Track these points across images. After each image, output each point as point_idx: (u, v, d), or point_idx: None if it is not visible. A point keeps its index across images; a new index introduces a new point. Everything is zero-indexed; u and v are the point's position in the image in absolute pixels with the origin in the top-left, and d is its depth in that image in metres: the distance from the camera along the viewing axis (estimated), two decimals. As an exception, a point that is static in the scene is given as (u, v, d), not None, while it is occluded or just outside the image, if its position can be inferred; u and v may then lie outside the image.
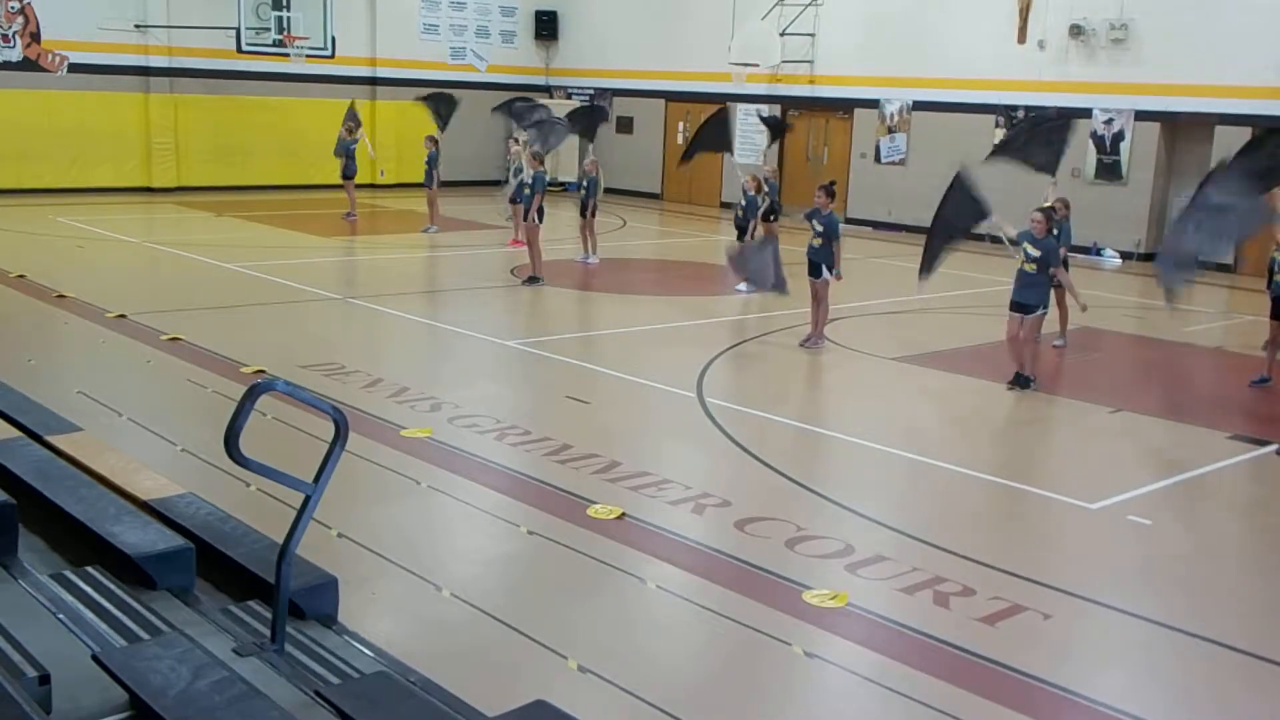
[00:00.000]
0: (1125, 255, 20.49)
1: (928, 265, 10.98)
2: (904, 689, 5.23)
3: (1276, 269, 11.31)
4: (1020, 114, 21.63)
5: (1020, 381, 10.81)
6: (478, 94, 28.90)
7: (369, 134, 23.57)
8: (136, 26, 24.32)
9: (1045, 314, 11.17)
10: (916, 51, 22.94)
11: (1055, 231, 12.06)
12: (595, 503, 7.35)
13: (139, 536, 4.98)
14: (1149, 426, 10.04)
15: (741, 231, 16.01)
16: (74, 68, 23.86)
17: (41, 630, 4.17)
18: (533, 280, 15.61)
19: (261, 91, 25.89)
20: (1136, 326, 14.75)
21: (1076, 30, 20.73)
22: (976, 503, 8.09)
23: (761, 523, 7.21)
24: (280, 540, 4.39)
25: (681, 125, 27.86)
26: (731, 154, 17.37)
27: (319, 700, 3.92)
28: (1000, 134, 22.04)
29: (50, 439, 6.41)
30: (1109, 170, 20.85)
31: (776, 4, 24.49)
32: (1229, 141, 19.16)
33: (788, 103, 25.44)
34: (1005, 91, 21.84)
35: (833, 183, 12.91)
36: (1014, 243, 10.92)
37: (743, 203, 16.03)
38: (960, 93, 22.40)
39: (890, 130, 24.00)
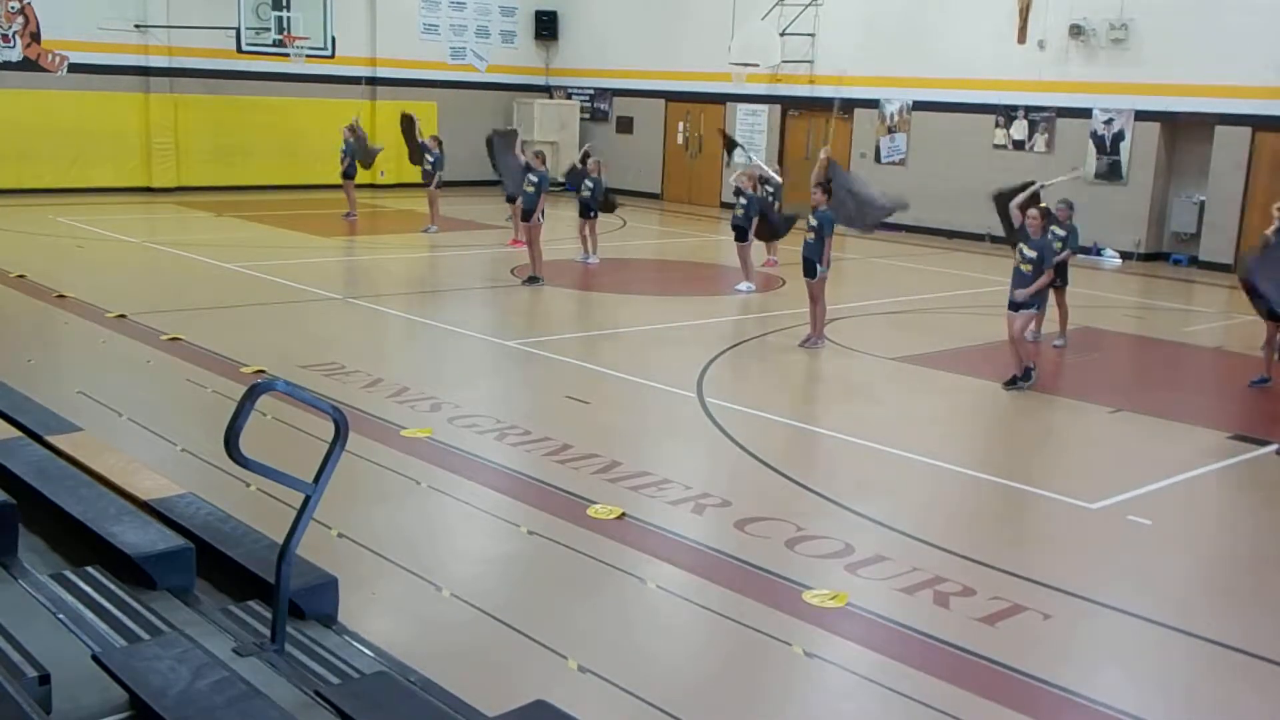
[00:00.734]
0: (1125, 255, 20.50)
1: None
2: (904, 689, 5.23)
3: None
4: (1020, 114, 21.65)
5: (1018, 379, 10.79)
6: (478, 94, 29.00)
7: (369, 134, 23.55)
8: (136, 26, 24.31)
9: (1037, 313, 11.22)
10: (916, 51, 22.94)
11: (1063, 234, 12.11)
12: (595, 503, 7.35)
13: (139, 536, 4.99)
14: (1149, 426, 10.04)
15: (740, 232, 16.01)
16: (74, 68, 23.86)
17: (41, 630, 4.17)
18: (533, 280, 15.61)
19: (261, 91, 25.88)
20: (1136, 326, 14.75)
21: (1076, 30, 20.73)
22: (976, 503, 8.09)
23: (761, 523, 7.21)
24: (280, 540, 4.39)
25: (681, 125, 27.87)
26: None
27: (319, 700, 3.92)
28: (1001, 134, 22.11)
29: (50, 439, 6.41)
30: (1109, 170, 20.85)
31: (776, 4, 24.49)
32: (1229, 140, 19.29)
33: (787, 103, 25.45)
34: (1005, 91, 21.85)
35: (829, 180, 12.87)
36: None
37: (742, 202, 16.04)
38: (960, 93, 22.40)
39: (890, 130, 23.99)
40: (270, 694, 3.79)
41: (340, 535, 6.58)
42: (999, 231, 11.31)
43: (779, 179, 17.49)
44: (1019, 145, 21.90)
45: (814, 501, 7.73)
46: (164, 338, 11.50)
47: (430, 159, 20.46)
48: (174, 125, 25.02)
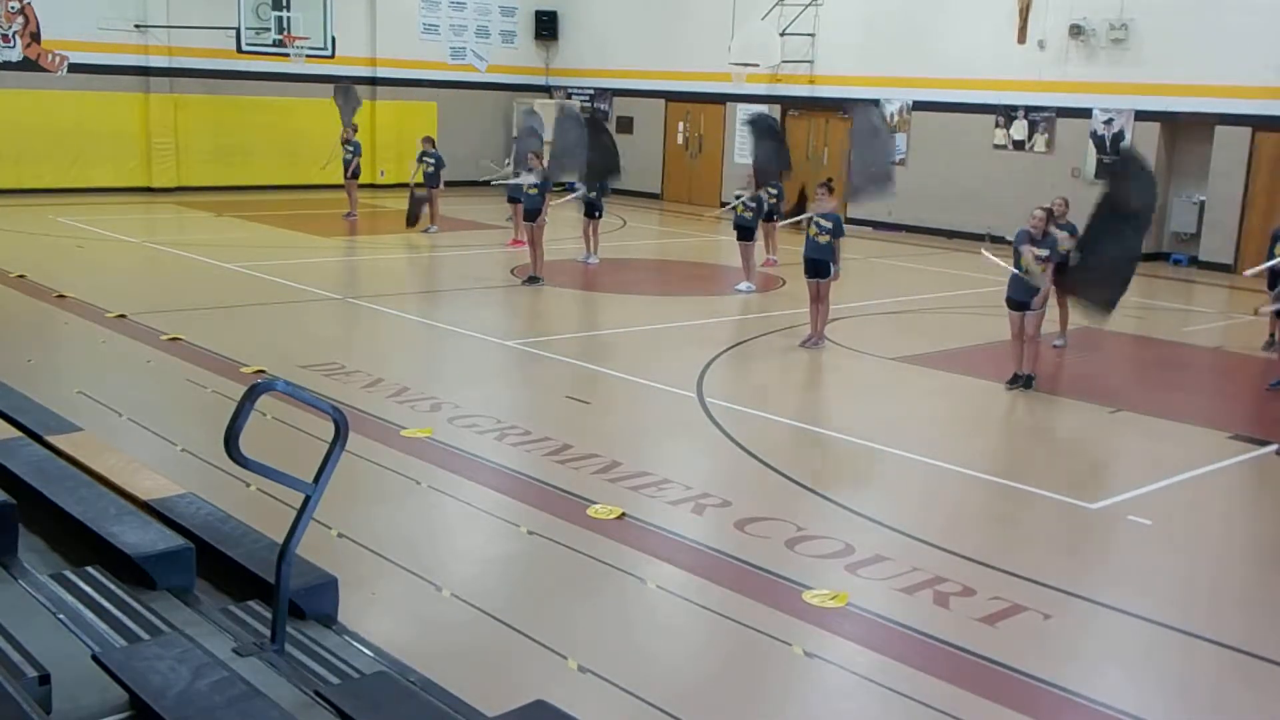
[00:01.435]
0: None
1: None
2: (904, 689, 5.23)
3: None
4: (1020, 114, 21.65)
5: (1020, 381, 10.80)
6: (478, 94, 29.00)
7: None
8: (136, 26, 24.31)
9: (1044, 311, 11.16)
10: (916, 51, 22.94)
11: (1065, 233, 12.08)
12: (595, 503, 7.35)
13: (139, 536, 4.99)
14: (1149, 426, 10.04)
15: (743, 231, 16.01)
16: (74, 68, 23.86)
17: (41, 630, 4.17)
18: (533, 280, 15.61)
19: (261, 91, 25.88)
20: (1136, 326, 14.74)
21: (1076, 30, 20.72)
22: (976, 502, 8.09)
23: (761, 523, 7.21)
24: (280, 540, 4.39)
25: (681, 125, 27.87)
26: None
27: (319, 700, 3.92)
28: (1001, 134, 22.11)
29: (50, 439, 6.42)
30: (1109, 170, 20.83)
31: (776, 4, 24.48)
32: (1229, 140, 19.29)
33: (787, 103, 25.44)
34: (1005, 91, 21.84)
35: (830, 180, 12.89)
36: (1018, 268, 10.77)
37: (749, 202, 16.03)
38: (960, 93, 22.39)
39: (890, 130, 23.97)
40: (270, 694, 3.79)
41: (340, 535, 6.58)
42: (999, 231, 11.31)
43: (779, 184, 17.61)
44: (1019, 145, 21.90)
45: (814, 501, 7.73)
46: (164, 338, 11.50)
47: (430, 160, 20.45)
48: (174, 125, 25.02)
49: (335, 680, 4.21)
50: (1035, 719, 5.07)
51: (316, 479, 4.25)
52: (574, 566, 6.49)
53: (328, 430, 4.33)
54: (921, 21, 22.80)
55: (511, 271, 16.64)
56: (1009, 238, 11.31)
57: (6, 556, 4.83)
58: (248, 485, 7.00)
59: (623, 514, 7.17)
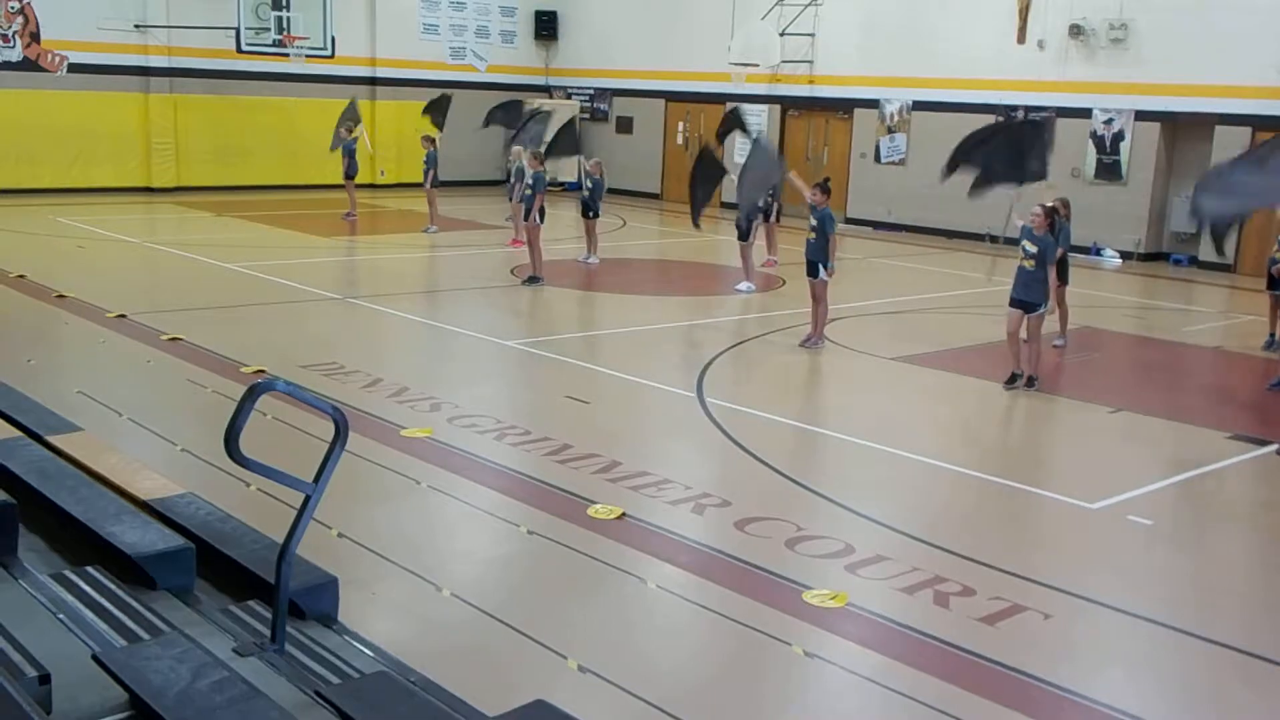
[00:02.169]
0: (1125, 255, 20.50)
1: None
2: (904, 689, 5.23)
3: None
4: (1020, 114, 21.65)
5: (1017, 380, 10.80)
6: (478, 94, 28.92)
7: (369, 133, 23.57)
8: (136, 26, 24.32)
9: (1047, 311, 11.14)
10: (916, 51, 22.95)
11: (1056, 231, 12.07)
12: (595, 503, 7.35)
13: (139, 536, 4.99)
14: (1149, 426, 10.04)
15: (743, 231, 16.01)
16: (74, 68, 23.87)
17: (41, 630, 4.17)
18: (533, 280, 15.61)
19: (261, 91, 25.89)
20: (1136, 326, 14.75)
21: (1076, 30, 20.73)
22: (976, 502, 8.08)
23: (761, 523, 7.21)
24: (280, 540, 4.39)
25: (681, 125, 27.87)
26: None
27: (319, 700, 3.92)
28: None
29: (50, 439, 6.41)
30: (1109, 170, 20.85)
31: (776, 4, 24.49)
32: (1229, 141, 19.26)
33: (787, 103, 25.46)
34: (1005, 91, 21.84)
35: (827, 179, 12.93)
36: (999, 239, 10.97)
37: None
38: (960, 93, 22.40)
39: (890, 130, 24.00)
40: (270, 694, 3.79)
41: (340, 535, 6.58)
42: (999, 231, 11.30)
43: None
44: (1019, 145, 21.87)
45: (814, 501, 7.73)
46: (164, 338, 11.50)
47: (426, 159, 20.46)
48: (174, 125, 25.03)
49: (335, 680, 4.21)
50: (1035, 719, 5.07)
51: (317, 479, 4.24)
52: (574, 566, 6.48)
53: (328, 430, 4.32)
54: (921, 21, 22.81)
55: (511, 271, 16.64)
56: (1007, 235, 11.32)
57: (6, 556, 4.83)
58: (248, 485, 7.00)
59: (623, 514, 7.17)
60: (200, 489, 6.10)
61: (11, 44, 23.25)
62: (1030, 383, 10.80)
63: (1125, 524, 7.54)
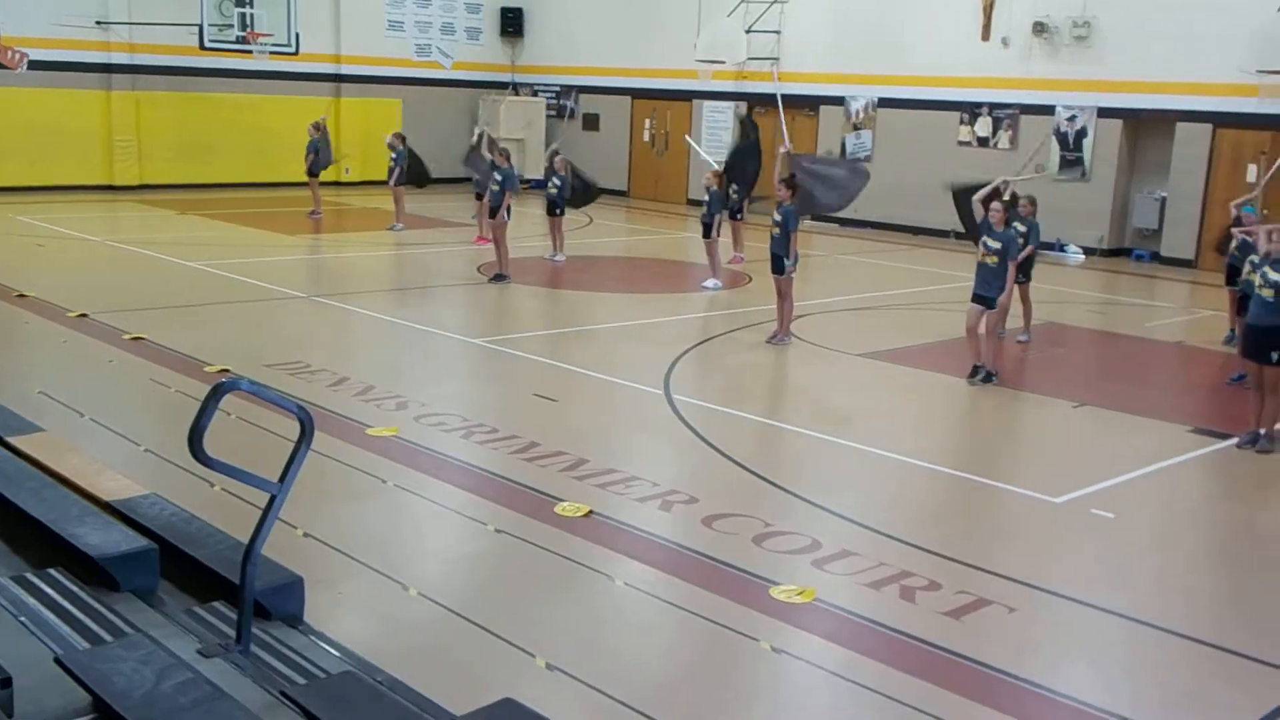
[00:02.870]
0: (1088, 251, 20.66)
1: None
2: (871, 683, 5.26)
3: (1242, 266, 11.41)
4: (984, 111, 21.81)
5: (981, 374, 10.88)
6: (444, 91, 28.90)
7: (333, 130, 23.43)
8: (98, 23, 24.06)
9: (1007, 307, 11.24)
10: (881, 49, 23.05)
11: (1024, 229, 12.18)
12: (562, 500, 7.34)
13: (102, 538, 4.94)
14: (1112, 420, 10.13)
15: (707, 228, 16.04)
16: (34, 65, 23.58)
17: (3, 633, 4.13)
18: (499, 278, 15.57)
19: (225, 89, 25.66)
20: (1099, 322, 14.88)
21: (1040, 27, 20.88)
22: (942, 497, 8.14)
23: (729, 519, 7.23)
24: (245, 540, 4.36)
25: (648, 122, 27.86)
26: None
27: (285, 701, 3.91)
28: (966, 130, 22.26)
29: (11, 440, 6.35)
30: (1072, 166, 21.01)
31: (742, 1, 24.53)
32: (1191, 137, 19.49)
33: (754, 100, 25.49)
34: (970, 89, 21.99)
35: (793, 175, 12.95)
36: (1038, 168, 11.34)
37: (706, 198, 16.07)
38: (925, 90, 22.52)
39: (856, 127, 24.09)
40: (235, 695, 3.77)
41: (306, 535, 6.55)
42: (962, 228, 11.40)
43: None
44: (983, 142, 22.04)
45: (781, 497, 7.76)
46: (126, 337, 11.40)
47: (393, 156, 20.38)
48: (136, 123, 24.77)
49: (301, 681, 4.19)
50: (1000, 712, 5.11)
51: (282, 478, 4.22)
52: (541, 564, 6.48)
53: (293, 429, 4.30)
54: (886, 19, 22.91)
55: (478, 269, 16.60)
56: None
57: (-33, 559, 4.78)
58: (212, 485, 6.96)
59: (590, 511, 7.17)
60: (164, 489, 6.06)
61: (-30, 41, 22.97)
62: (988, 377, 10.88)
63: (1089, 518, 7.61)
